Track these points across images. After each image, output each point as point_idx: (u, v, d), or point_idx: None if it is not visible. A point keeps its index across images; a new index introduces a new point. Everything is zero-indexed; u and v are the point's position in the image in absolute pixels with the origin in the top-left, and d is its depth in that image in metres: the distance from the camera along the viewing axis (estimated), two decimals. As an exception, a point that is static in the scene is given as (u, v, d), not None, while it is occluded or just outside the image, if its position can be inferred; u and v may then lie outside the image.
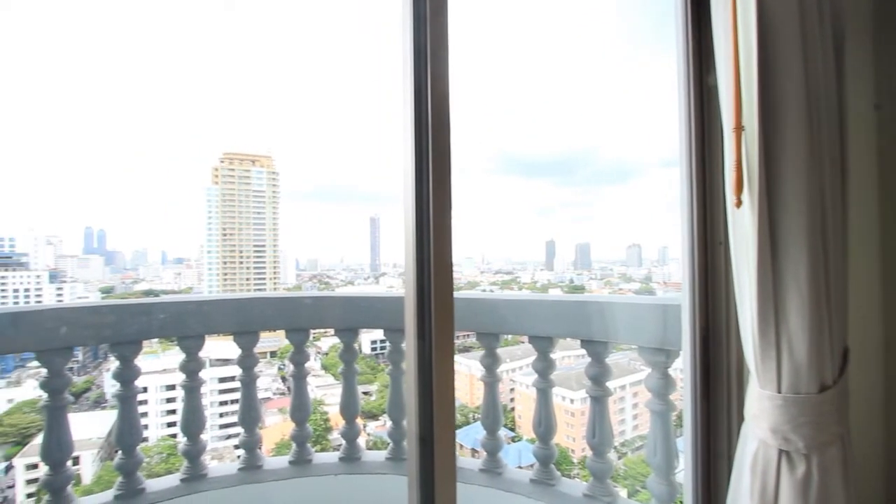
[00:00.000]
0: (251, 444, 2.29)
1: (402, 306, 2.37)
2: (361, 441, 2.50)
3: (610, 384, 1.96)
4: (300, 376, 2.32)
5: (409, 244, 1.02)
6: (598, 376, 1.92)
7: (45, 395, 1.93)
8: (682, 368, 1.59)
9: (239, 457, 2.31)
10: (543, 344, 2.06)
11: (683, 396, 1.50)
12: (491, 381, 2.19)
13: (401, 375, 2.34)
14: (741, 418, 1.20)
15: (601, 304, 2.10)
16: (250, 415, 2.28)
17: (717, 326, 1.41)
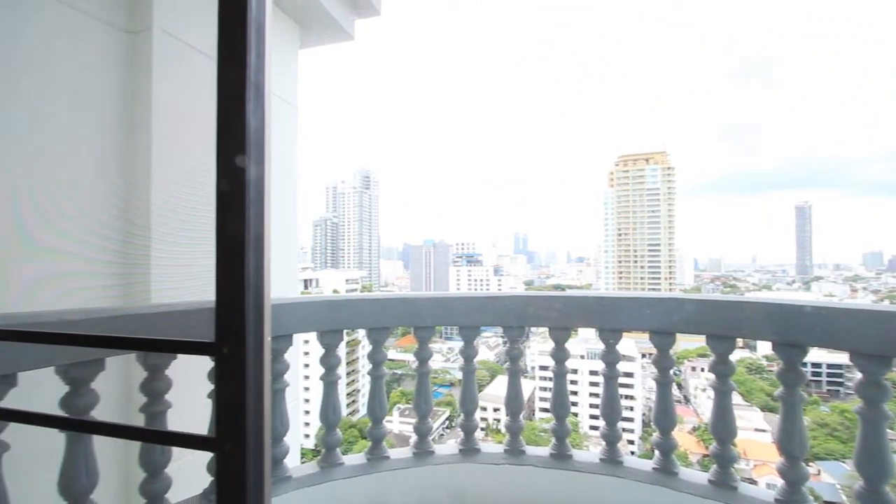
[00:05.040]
0: (666, 448, 2.23)
1: (874, 322, 1.72)
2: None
3: None
4: (724, 390, 2.07)
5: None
6: None
7: (507, 362, 2.56)
8: None
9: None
10: None
11: None
12: None
13: (882, 420, 1.69)
14: None
15: None
16: (666, 417, 2.22)
17: None
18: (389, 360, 2.53)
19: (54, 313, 1.51)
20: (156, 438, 1.52)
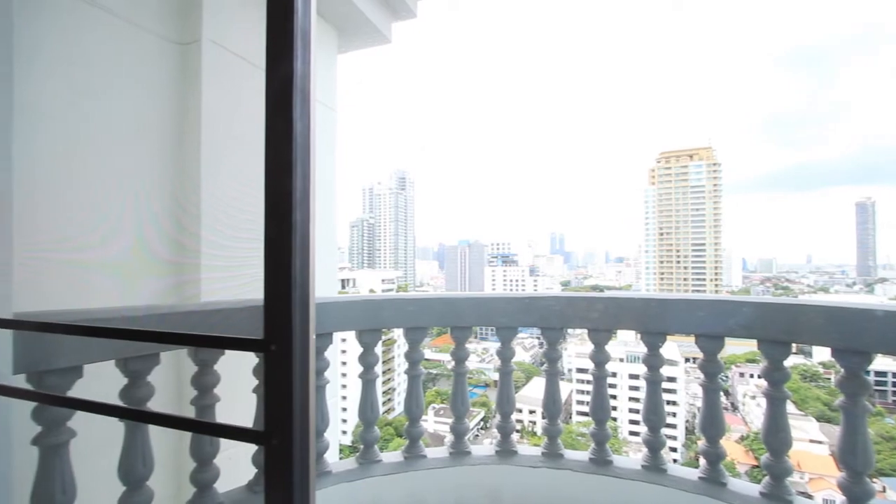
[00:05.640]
0: (713, 457, 2.13)
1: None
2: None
3: None
4: (778, 398, 1.95)
5: None
6: None
7: (545, 364, 2.52)
8: None
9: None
10: None
11: None
12: None
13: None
14: None
15: None
16: (713, 425, 2.13)
17: None
18: (424, 359, 2.54)
19: (115, 310, 1.61)
20: (209, 430, 1.59)
